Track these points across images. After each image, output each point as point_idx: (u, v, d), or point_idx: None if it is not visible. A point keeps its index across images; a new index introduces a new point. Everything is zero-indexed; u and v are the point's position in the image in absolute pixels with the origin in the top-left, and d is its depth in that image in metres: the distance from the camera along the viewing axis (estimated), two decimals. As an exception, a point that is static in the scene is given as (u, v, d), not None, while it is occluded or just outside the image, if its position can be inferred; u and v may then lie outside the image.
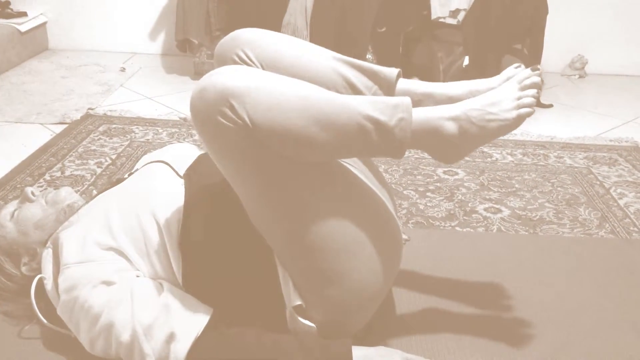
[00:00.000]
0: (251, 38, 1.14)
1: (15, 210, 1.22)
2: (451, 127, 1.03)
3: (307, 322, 1.05)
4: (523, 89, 1.04)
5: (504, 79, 1.11)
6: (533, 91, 1.04)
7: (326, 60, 1.13)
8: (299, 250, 1.02)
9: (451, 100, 1.11)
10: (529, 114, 1.03)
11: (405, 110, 0.98)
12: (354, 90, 1.12)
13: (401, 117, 0.98)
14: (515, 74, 1.10)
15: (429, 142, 1.04)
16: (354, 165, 1.09)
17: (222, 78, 0.93)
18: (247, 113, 0.91)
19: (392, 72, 1.14)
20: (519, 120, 1.03)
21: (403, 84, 1.15)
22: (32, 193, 1.23)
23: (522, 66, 1.11)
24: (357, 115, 0.96)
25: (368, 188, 1.07)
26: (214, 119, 0.92)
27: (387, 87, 1.13)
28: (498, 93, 1.05)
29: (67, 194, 1.24)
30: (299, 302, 1.05)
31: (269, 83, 0.95)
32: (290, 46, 1.14)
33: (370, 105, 0.97)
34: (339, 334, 1.06)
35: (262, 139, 0.93)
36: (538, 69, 1.07)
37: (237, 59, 1.12)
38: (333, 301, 1.05)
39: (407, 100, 0.99)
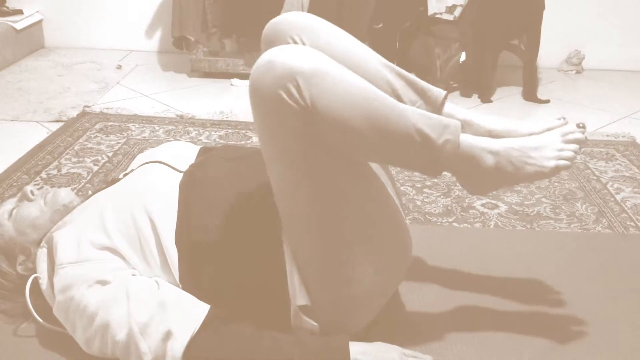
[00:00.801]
0: (308, 24, 1.13)
1: (13, 208, 1.22)
2: (489, 160, 1.05)
3: (310, 320, 1.06)
4: (566, 142, 1.06)
5: (546, 128, 1.12)
6: (575, 146, 1.06)
7: (375, 64, 1.13)
8: (323, 242, 1.02)
9: (489, 133, 1.13)
10: (567, 167, 1.06)
11: (453, 133, 1.01)
12: (398, 100, 1.10)
13: (448, 139, 1.00)
14: (558, 125, 1.11)
15: (464, 169, 1.06)
16: (378, 169, 1.11)
17: (293, 55, 0.92)
18: (310, 95, 0.91)
19: (440, 92, 1.15)
20: (555, 171, 1.06)
21: (447, 107, 1.15)
22: (32, 192, 1.23)
23: (565, 119, 1.13)
24: (410, 125, 0.97)
25: (388, 192, 1.08)
26: (276, 94, 0.91)
27: (433, 106, 1.14)
28: (541, 140, 1.07)
29: (67, 195, 1.23)
30: (305, 302, 1.05)
31: (337, 71, 0.94)
32: (342, 40, 1.14)
33: (423, 119, 0.99)
34: (340, 332, 1.07)
35: (317, 124, 0.93)
36: (583, 127, 1.08)
37: (291, 42, 1.11)
38: (342, 301, 1.05)
39: (457, 124, 1.02)
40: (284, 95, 0.91)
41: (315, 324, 1.06)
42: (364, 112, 0.94)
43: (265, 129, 0.97)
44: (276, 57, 0.92)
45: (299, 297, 1.05)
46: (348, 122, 0.94)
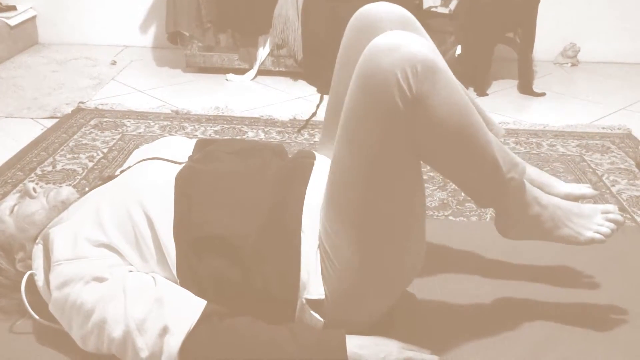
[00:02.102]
0: (408, 18, 1.17)
1: (15, 205, 1.21)
2: (535, 210, 1.11)
3: (317, 315, 1.06)
4: (606, 219, 1.15)
5: (580, 194, 1.25)
6: (613, 226, 1.15)
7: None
8: (361, 232, 1.02)
9: (541, 185, 1.21)
10: (601, 242, 1.14)
11: (520, 173, 1.07)
12: None
13: (514, 177, 1.06)
14: (589, 193, 1.25)
15: (510, 209, 1.11)
16: None
17: (421, 45, 0.93)
18: (422, 88, 0.92)
19: (500, 129, 1.20)
20: (589, 242, 1.14)
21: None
22: (34, 189, 1.22)
23: (596, 190, 1.27)
24: (490, 152, 1.01)
25: (425, 197, 1.13)
26: (392, 73, 0.92)
27: None
28: (584, 209, 1.15)
29: (69, 194, 1.23)
30: (319, 297, 1.04)
31: (449, 75, 0.96)
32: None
33: (500, 150, 1.04)
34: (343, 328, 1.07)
35: (413, 117, 0.94)
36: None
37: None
38: (356, 297, 1.06)
39: (524, 165, 1.09)
40: (399, 78, 0.92)
41: (320, 319, 1.06)
42: (460, 123, 0.97)
43: (359, 102, 0.97)
44: (405, 40, 0.93)
45: (312, 291, 1.05)
46: (442, 125, 0.96)
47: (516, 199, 1.09)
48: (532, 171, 1.25)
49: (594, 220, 1.15)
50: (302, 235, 1.06)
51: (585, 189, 1.26)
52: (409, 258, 1.10)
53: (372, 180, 1.00)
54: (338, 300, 1.06)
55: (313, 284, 1.05)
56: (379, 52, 0.93)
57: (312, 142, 2.14)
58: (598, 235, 1.13)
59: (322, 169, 1.17)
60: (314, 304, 1.06)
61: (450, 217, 1.67)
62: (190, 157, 1.19)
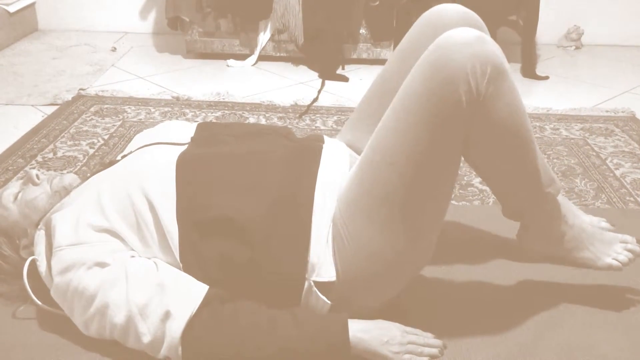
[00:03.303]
0: (481, 24, 1.21)
1: (19, 192, 1.21)
2: (562, 228, 1.16)
3: (324, 298, 1.06)
4: (624, 249, 1.19)
5: (599, 227, 1.27)
6: (631, 255, 1.19)
7: None
8: (388, 218, 1.03)
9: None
10: (617, 269, 1.18)
11: (557, 189, 1.13)
12: None
13: (551, 192, 1.11)
14: (608, 227, 1.27)
15: (539, 221, 1.15)
16: None
17: (495, 48, 0.97)
18: (488, 89, 0.96)
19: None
20: (606, 267, 1.18)
21: None
22: (37, 176, 1.22)
23: (614, 226, 1.30)
24: (536, 165, 1.07)
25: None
26: (463, 67, 0.94)
27: None
28: (606, 236, 1.20)
29: (72, 180, 1.23)
30: (329, 279, 1.04)
31: (514, 84, 1.00)
32: None
33: (544, 165, 1.10)
34: (349, 311, 1.07)
35: (473, 117, 0.97)
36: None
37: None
38: (366, 280, 1.06)
39: (560, 187, 1.14)
40: (469, 74, 0.94)
41: (328, 302, 1.06)
42: (516, 129, 1.01)
43: (422, 90, 0.98)
44: (480, 39, 0.96)
45: (322, 273, 1.05)
46: (499, 128, 1.00)
47: (547, 213, 1.14)
48: (560, 198, 1.27)
49: (613, 248, 1.19)
50: (313, 215, 1.06)
51: (603, 223, 1.30)
52: (425, 246, 1.11)
53: (415, 168, 1.01)
54: (349, 283, 1.06)
55: (323, 266, 1.05)
56: (454, 45, 0.95)
57: (314, 127, 2.13)
58: (616, 262, 1.17)
59: (332, 151, 1.18)
60: (323, 286, 1.06)
61: (453, 202, 1.67)
62: (192, 138, 1.19)
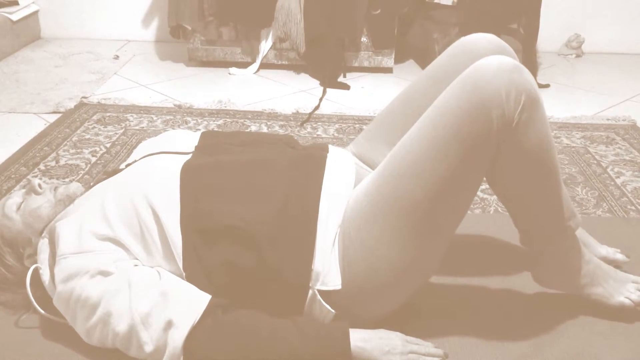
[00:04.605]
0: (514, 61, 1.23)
1: (22, 201, 1.21)
2: (579, 264, 1.17)
3: (328, 306, 1.06)
4: (637, 289, 1.20)
5: (614, 259, 1.33)
6: None
7: None
8: (404, 229, 1.04)
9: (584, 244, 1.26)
10: (629, 308, 1.19)
11: (577, 224, 1.15)
12: None
13: (571, 226, 1.13)
14: (621, 259, 1.34)
15: (556, 255, 1.17)
16: None
17: (531, 78, 1.00)
18: (521, 116, 0.98)
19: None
20: (619, 305, 1.19)
21: None
22: (40, 185, 1.23)
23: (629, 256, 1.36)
24: (560, 193, 1.10)
25: None
26: (498, 91, 0.96)
27: None
28: (620, 275, 1.21)
29: (76, 189, 1.23)
30: (335, 287, 1.05)
31: (545, 115, 1.03)
32: None
33: (566, 196, 1.12)
34: (352, 320, 1.07)
35: (503, 143, 0.99)
36: None
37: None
38: (372, 289, 1.07)
39: (580, 221, 1.16)
40: (503, 99, 0.96)
41: (332, 310, 1.06)
42: (543, 159, 1.04)
43: (454, 106, 1.00)
44: (518, 67, 0.98)
45: (328, 281, 1.05)
46: (527, 157, 1.02)
47: (565, 247, 1.15)
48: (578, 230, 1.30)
49: (626, 287, 1.20)
50: (319, 223, 1.06)
51: (618, 254, 1.34)
52: (434, 257, 1.11)
53: (439, 184, 1.02)
54: (354, 292, 1.06)
55: (329, 274, 1.05)
56: (491, 70, 0.97)
57: (315, 135, 2.13)
58: (628, 301, 1.18)
59: (336, 160, 1.18)
60: (328, 294, 1.06)
61: (454, 210, 1.67)
62: (196, 147, 1.19)
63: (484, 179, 1.09)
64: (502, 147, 1.00)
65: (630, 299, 1.19)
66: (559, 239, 1.14)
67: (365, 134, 1.34)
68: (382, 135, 1.29)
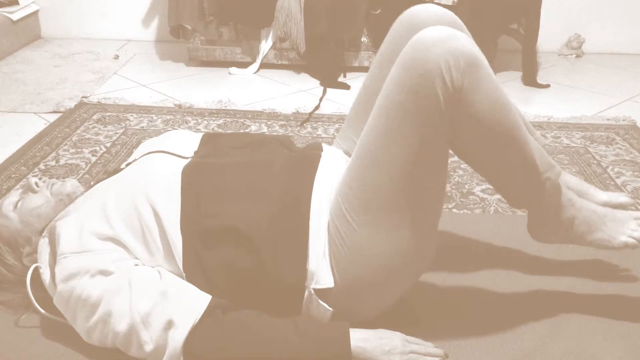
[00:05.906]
0: (457, 22, 1.20)
1: (18, 200, 1.21)
2: (569, 213, 1.13)
3: (325, 305, 1.07)
4: (639, 225, 1.16)
5: (619, 202, 1.25)
6: None
7: None
8: (384, 220, 1.04)
9: (579, 193, 1.22)
10: (634, 247, 1.15)
11: (556, 174, 1.09)
12: None
13: (550, 177, 1.08)
14: (628, 201, 1.26)
15: (544, 211, 1.13)
16: None
17: (466, 41, 0.97)
18: (464, 82, 0.95)
19: (540, 138, 1.25)
20: (622, 246, 1.15)
21: None
22: (36, 184, 1.23)
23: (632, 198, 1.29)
24: (528, 151, 1.04)
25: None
26: (435, 64, 0.95)
27: None
28: (618, 215, 1.17)
29: (74, 187, 1.23)
30: (328, 285, 1.05)
31: (491, 73, 0.99)
32: None
33: (538, 150, 1.07)
34: (349, 319, 1.07)
35: (454, 111, 0.97)
36: None
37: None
38: (365, 287, 1.07)
39: (560, 169, 1.11)
40: (443, 70, 0.94)
41: (329, 308, 1.07)
42: (499, 120, 0.99)
43: (400, 90, 0.99)
44: (451, 35, 0.96)
45: (321, 280, 1.05)
46: (482, 121, 0.98)
47: (551, 201, 1.11)
48: (570, 179, 1.26)
49: (628, 226, 1.16)
50: (310, 223, 1.06)
51: (622, 197, 1.27)
52: (423, 247, 1.10)
53: (402, 167, 1.01)
54: (348, 289, 1.06)
55: (321, 273, 1.05)
56: (425, 44, 0.96)
57: (315, 135, 2.13)
58: (631, 240, 1.15)
59: (329, 159, 1.18)
60: (323, 293, 1.06)
61: (454, 210, 1.67)
62: (196, 152, 1.19)
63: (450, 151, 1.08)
64: (454, 116, 0.98)
65: (633, 237, 1.15)
66: (540, 194, 1.09)
67: (340, 133, 1.34)
68: (352, 131, 1.29)
